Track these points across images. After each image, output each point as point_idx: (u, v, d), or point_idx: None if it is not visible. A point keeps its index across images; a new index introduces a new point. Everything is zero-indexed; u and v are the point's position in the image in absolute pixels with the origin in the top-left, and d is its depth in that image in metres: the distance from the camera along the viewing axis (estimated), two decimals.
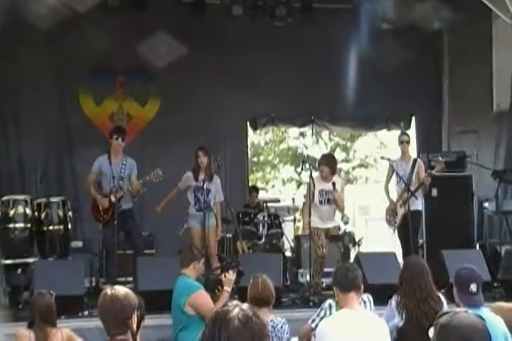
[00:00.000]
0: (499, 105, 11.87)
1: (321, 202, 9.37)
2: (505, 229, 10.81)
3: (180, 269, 6.99)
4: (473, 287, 5.07)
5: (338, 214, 9.87)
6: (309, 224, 9.18)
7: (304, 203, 10.12)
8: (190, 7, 12.02)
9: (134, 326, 3.69)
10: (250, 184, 14.17)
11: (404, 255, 9.50)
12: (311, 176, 9.47)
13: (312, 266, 9.23)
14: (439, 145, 13.47)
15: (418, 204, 9.90)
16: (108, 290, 3.75)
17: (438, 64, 13.84)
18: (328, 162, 9.55)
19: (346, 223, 11.33)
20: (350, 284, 5.10)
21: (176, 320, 6.85)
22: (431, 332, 2.79)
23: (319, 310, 6.18)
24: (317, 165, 9.80)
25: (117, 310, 3.65)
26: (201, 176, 9.49)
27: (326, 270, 9.18)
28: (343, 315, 5.04)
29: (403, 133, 10.49)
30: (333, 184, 9.27)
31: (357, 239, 11.40)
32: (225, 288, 6.69)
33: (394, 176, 9.94)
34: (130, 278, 9.25)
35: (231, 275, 6.71)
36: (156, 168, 9.08)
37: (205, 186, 9.37)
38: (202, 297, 6.62)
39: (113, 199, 9.11)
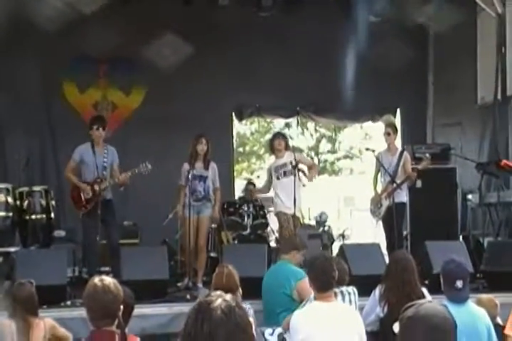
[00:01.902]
0: (483, 98, 11.90)
1: (278, 178, 9.54)
2: (488, 221, 10.87)
3: (280, 254, 7.26)
4: (459, 283, 5.02)
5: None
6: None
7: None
8: None
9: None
10: (236, 174, 14.15)
11: (389, 246, 9.55)
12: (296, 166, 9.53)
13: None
14: (424, 138, 13.51)
15: (403, 196, 9.94)
16: (97, 280, 3.71)
17: (423, 56, 13.85)
18: (283, 137, 10.03)
19: (324, 222, 11.43)
20: (325, 285, 5.11)
21: (275, 302, 6.97)
22: (396, 328, 2.78)
23: (304, 302, 6.21)
24: (270, 142, 10.02)
25: (109, 301, 3.63)
26: (198, 163, 9.27)
27: None
28: (316, 306, 5.08)
29: (387, 125, 10.52)
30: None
31: (342, 230, 11.46)
32: None
33: (381, 168, 9.96)
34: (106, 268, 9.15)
35: None
36: (145, 162, 8.97)
37: (204, 174, 9.27)
38: (307, 283, 6.69)
39: (97, 189, 8.97)
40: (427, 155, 10.17)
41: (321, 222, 12.97)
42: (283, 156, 9.76)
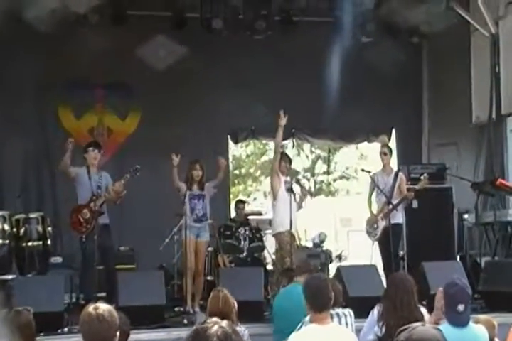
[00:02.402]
0: (478, 117, 11.94)
1: (287, 191, 9.48)
2: (484, 240, 10.86)
3: (297, 277, 7.13)
4: (460, 307, 4.98)
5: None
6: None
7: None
8: (169, 21, 12.00)
9: None
10: (232, 197, 14.16)
11: (386, 268, 9.53)
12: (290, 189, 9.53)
13: (277, 278, 9.30)
14: (420, 158, 13.54)
15: (399, 217, 9.96)
16: (91, 309, 3.69)
17: (417, 76, 13.92)
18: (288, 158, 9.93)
19: (322, 241, 11.42)
20: (321, 305, 5.10)
21: (290, 326, 6.80)
22: None
23: (300, 324, 6.17)
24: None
25: (104, 329, 3.61)
26: (194, 186, 9.48)
27: None
28: (312, 329, 5.06)
29: (383, 146, 10.55)
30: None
31: (338, 252, 11.45)
32: None
33: (376, 189, 9.97)
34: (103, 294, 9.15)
35: None
36: (134, 165, 9.08)
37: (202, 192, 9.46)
38: None
39: (93, 206, 9.02)
40: (425, 174, 10.18)
41: (319, 241, 12.97)
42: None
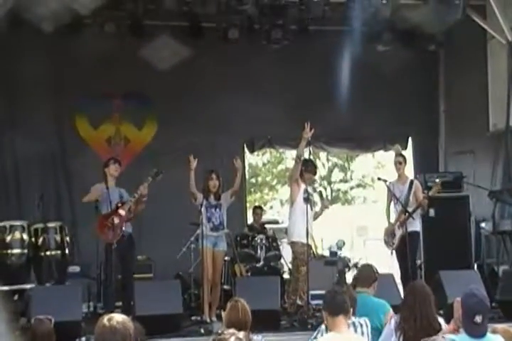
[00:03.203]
0: (495, 125, 11.89)
1: (304, 200, 9.44)
2: (502, 249, 10.80)
3: (359, 287, 6.92)
4: (478, 318, 4.94)
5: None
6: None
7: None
8: (187, 31, 12.06)
9: None
10: (248, 205, 14.17)
11: (403, 276, 9.51)
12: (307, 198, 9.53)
13: (295, 285, 9.34)
14: (436, 166, 13.50)
15: (416, 225, 9.94)
16: (105, 320, 3.71)
17: (434, 84, 13.90)
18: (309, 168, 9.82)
19: (340, 248, 11.39)
20: (338, 308, 5.12)
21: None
22: None
23: (316, 332, 6.18)
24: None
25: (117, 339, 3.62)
26: (211, 197, 9.53)
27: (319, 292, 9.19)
28: (330, 338, 5.06)
29: (398, 155, 10.54)
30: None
31: (355, 261, 11.42)
32: None
33: (393, 198, 9.97)
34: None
35: None
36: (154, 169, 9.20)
37: (219, 202, 9.53)
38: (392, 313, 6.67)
39: (122, 212, 9.09)
40: (437, 180, 10.16)
41: (337, 248, 12.95)
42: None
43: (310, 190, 9.64)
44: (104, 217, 9.13)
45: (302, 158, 9.66)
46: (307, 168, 9.77)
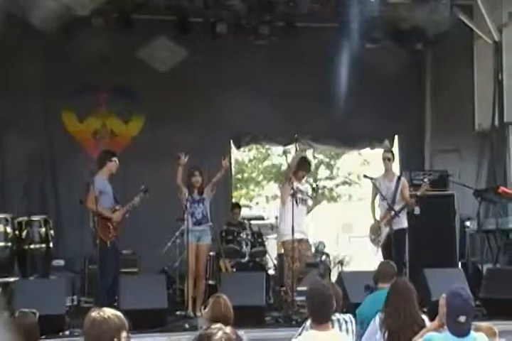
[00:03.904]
0: (481, 124, 11.94)
1: (296, 202, 9.50)
2: (486, 247, 10.87)
3: (377, 283, 6.97)
4: (462, 318, 4.96)
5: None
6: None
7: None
8: (174, 25, 12.03)
9: None
10: (234, 201, 14.16)
11: None
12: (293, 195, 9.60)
13: (286, 282, 9.35)
14: (422, 164, 13.54)
15: (403, 222, 9.91)
16: (94, 313, 3.69)
17: (420, 83, 13.94)
18: (303, 166, 9.91)
19: (321, 251, 11.40)
20: (325, 318, 5.07)
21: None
22: None
23: (301, 328, 6.19)
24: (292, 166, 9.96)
25: (106, 333, 3.60)
26: (194, 193, 9.65)
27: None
28: (313, 335, 5.04)
29: (386, 151, 10.55)
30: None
31: (340, 258, 11.43)
32: None
33: (378, 194, 9.97)
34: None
35: None
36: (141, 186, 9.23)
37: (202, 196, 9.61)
38: None
39: (119, 217, 9.20)
40: (426, 180, 10.21)
41: (318, 251, 12.92)
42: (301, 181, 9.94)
43: (302, 186, 9.71)
44: (106, 218, 9.11)
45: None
46: (302, 165, 9.85)
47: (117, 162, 9.47)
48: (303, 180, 10.01)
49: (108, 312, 3.71)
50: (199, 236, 9.48)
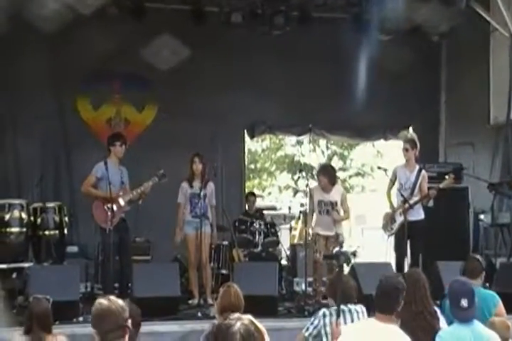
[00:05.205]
0: (496, 118, 11.90)
1: (320, 213, 9.55)
2: (500, 241, 10.83)
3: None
4: (464, 302, 4.97)
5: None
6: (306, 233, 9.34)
7: (300, 211, 10.26)
8: (189, 14, 12.01)
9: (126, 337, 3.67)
10: (247, 191, 14.17)
11: (398, 264, 9.49)
12: (307, 185, 9.60)
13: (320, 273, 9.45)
14: (436, 157, 13.51)
15: (420, 213, 9.74)
16: (102, 300, 3.71)
17: (436, 75, 13.91)
18: (327, 172, 9.69)
19: (341, 244, 11.36)
20: (389, 310, 4.97)
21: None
22: None
23: (313, 318, 6.21)
24: (316, 175, 9.91)
25: (112, 321, 3.62)
26: (196, 182, 9.58)
27: None
28: (373, 323, 4.97)
29: (406, 141, 10.32)
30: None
31: (353, 249, 11.42)
32: None
33: (397, 182, 9.83)
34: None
35: None
36: (159, 170, 9.20)
37: (201, 193, 9.43)
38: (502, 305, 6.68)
39: (122, 203, 9.08)
40: (451, 174, 9.99)
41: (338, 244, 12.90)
42: (330, 191, 9.74)
43: (328, 195, 9.68)
44: (102, 200, 9.04)
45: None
46: (325, 172, 9.78)
47: (122, 147, 9.31)
48: (332, 189, 9.74)
49: (114, 299, 3.71)
50: (197, 227, 9.27)
